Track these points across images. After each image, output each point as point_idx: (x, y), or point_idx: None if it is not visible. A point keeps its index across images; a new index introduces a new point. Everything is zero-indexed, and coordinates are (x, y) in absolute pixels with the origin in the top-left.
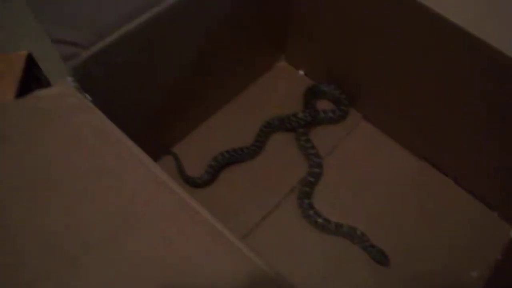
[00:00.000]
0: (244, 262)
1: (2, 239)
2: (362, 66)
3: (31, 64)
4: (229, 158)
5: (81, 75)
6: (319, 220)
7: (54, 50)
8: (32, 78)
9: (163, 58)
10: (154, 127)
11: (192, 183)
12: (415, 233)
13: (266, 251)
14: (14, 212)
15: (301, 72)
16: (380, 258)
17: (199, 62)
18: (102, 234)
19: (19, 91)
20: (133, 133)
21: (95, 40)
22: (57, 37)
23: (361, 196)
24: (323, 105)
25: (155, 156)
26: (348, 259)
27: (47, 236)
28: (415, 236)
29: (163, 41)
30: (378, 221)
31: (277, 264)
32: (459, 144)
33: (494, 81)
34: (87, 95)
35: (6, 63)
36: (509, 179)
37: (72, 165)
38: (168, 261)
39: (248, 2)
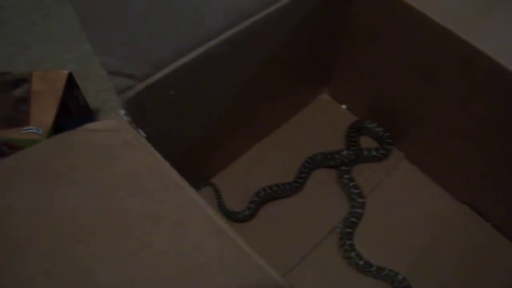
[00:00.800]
0: None
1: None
2: (406, 105)
3: (71, 83)
4: (271, 194)
5: (134, 107)
6: (360, 262)
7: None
8: (70, 97)
9: (212, 91)
10: (196, 157)
11: (234, 218)
12: (456, 280)
13: None
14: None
15: (344, 107)
16: None
17: (246, 94)
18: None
19: (59, 111)
20: (175, 162)
21: (150, 72)
22: (112, 69)
23: (402, 239)
24: (365, 142)
25: (194, 186)
26: None
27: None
28: (456, 283)
29: (215, 74)
30: (418, 266)
31: None
32: (499, 189)
33: None
34: (141, 131)
35: (47, 82)
36: None
37: (130, 210)
38: None
39: (300, 34)
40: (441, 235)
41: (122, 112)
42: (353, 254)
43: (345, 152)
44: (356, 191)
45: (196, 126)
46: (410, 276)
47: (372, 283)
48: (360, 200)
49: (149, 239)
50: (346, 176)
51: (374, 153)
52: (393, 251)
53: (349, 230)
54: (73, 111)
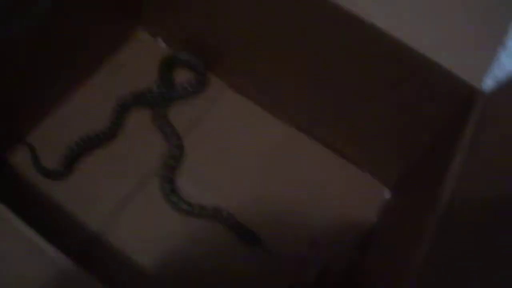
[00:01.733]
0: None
1: None
2: (226, 31)
3: None
4: (85, 145)
5: None
6: (183, 206)
7: None
8: None
9: None
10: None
11: (49, 176)
12: (288, 204)
13: (130, 238)
14: None
15: (160, 41)
16: (248, 236)
17: (41, 37)
18: None
19: None
20: None
21: None
22: None
23: (229, 172)
24: (184, 77)
25: (5, 147)
26: (216, 240)
27: None
28: (288, 206)
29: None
30: (247, 196)
31: (142, 251)
32: (328, 110)
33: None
34: None
35: None
36: (378, 139)
37: None
38: None
39: None
40: (270, 161)
41: None
42: (174, 198)
43: (155, 90)
44: (170, 131)
45: None
46: (239, 209)
47: (199, 223)
48: (176, 141)
49: None
50: (159, 118)
51: (186, 85)
52: (220, 187)
53: (168, 173)
54: None
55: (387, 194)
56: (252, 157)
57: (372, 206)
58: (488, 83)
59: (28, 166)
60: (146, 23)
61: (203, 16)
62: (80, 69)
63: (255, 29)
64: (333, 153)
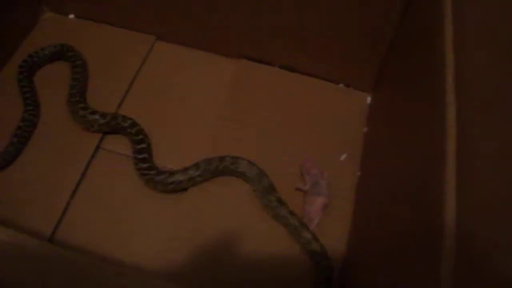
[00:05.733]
0: None
1: None
2: None
3: None
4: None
5: None
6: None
7: None
8: None
9: None
10: None
11: None
12: (272, 135)
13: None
14: None
15: (72, 16)
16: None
17: None
18: None
19: None
20: None
21: None
22: None
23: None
24: None
25: None
26: None
27: None
28: (273, 136)
29: None
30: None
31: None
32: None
33: None
34: None
35: None
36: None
37: None
38: None
39: None
40: (236, 94)
41: None
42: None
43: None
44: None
45: None
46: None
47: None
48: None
49: None
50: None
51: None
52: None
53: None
54: None
55: (368, 100)
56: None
57: (358, 116)
58: None
59: None
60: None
61: None
62: None
63: None
64: (297, 74)
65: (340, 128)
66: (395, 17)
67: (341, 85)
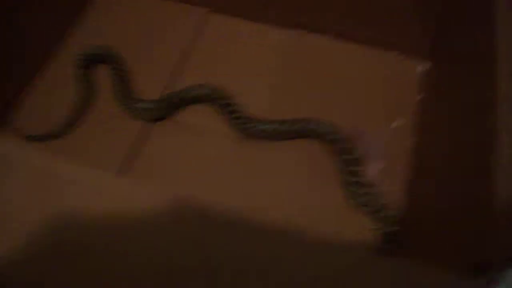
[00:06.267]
0: None
1: None
2: None
3: None
4: None
5: None
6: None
7: None
8: None
9: None
10: None
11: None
12: (323, 101)
13: None
14: None
15: None
16: None
17: None
18: None
19: None
20: None
21: None
22: None
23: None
24: None
25: None
26: None
27: None
28: (324, 103)
29: None
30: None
31: None
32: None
33: None
34: None
35: None
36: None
37: None
38: None
39: None
40: (284, 65)
41: None
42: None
43: None
44: None
45: None
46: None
47: None
48: None
49: None
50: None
51: None
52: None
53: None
54: None
55: (423, 67)
56: (260, 67)
57: (411, 84)
58: None
59: None
60: None
61: None
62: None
63: None
64: (349, 43)
65: (392, 96)
66: None
67: (394, 52)
